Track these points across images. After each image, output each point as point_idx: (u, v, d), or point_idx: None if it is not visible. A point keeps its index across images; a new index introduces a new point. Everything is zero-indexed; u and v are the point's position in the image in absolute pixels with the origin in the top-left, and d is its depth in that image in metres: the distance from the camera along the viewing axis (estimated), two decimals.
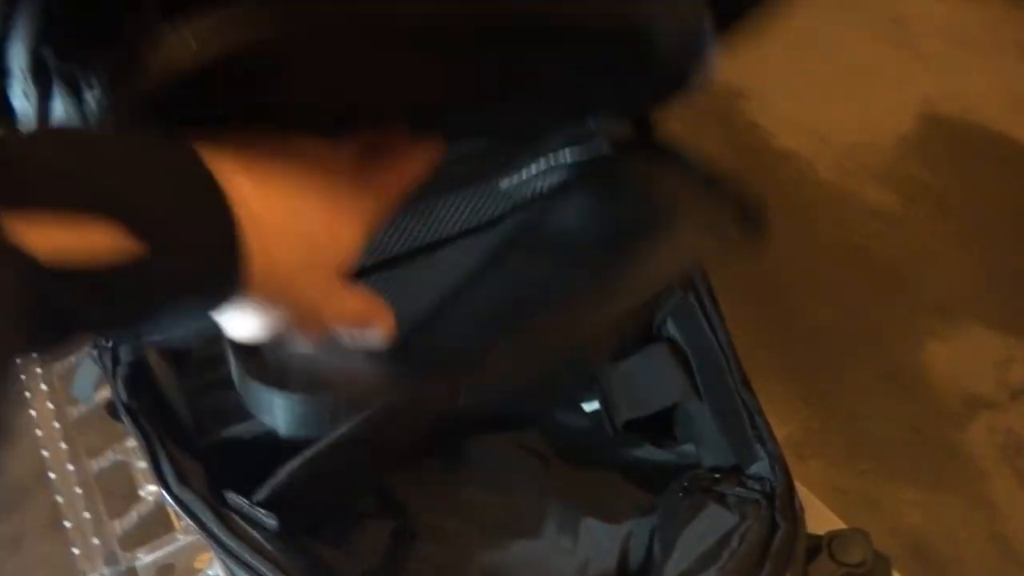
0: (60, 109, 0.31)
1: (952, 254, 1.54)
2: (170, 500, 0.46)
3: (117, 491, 0.75)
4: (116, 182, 0.24)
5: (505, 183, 0.51)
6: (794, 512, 0.51)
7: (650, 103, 0.45)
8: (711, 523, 0.52)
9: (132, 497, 0.73)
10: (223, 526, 0.46)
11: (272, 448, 0.49)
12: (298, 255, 0.30)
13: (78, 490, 0.72)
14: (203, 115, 0.29)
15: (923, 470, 1.25)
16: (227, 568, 0.46)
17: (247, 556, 0.45)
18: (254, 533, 0.46)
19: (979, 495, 1.22)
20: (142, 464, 0.73)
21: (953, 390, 1.33)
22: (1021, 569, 1.17)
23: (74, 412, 0.77)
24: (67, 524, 0.70)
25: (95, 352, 0.48)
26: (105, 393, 0.56)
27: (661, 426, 0.61)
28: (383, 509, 0.58)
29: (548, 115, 0.45)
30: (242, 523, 0.46)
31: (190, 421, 0.51)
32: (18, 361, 0.23)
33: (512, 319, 0.41)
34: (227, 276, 0.27)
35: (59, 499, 0.72)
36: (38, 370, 0.80)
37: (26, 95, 0.31)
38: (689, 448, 0.60)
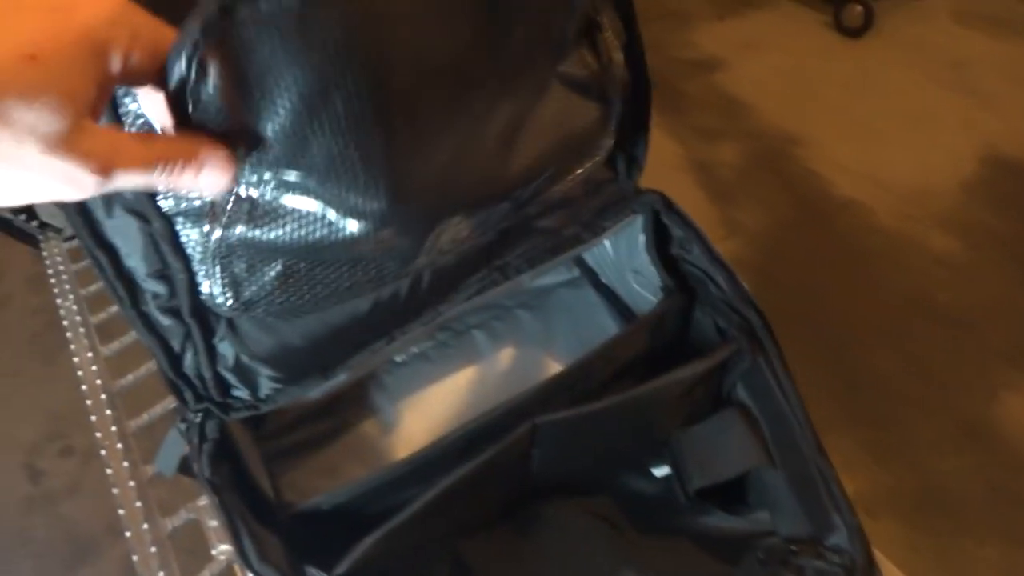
0: None
1: (1021, 300, 1.50)
2: None
3: (189, 549, 0.76)
4: None
5: None
6: None
7: None
8: None
9: (205, 556, 0.73)
10: None
11: (352, 518, 0.49)
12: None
13: (152, 549, 0.73)
14: None
15: (1000, 527, 1.20)
16: None
17: None
18: None
19: None
20: (214, 523, 0.74)
21: None
22: None
23: (148, 470, 0.78)
24: None
25: (182, 426, 0.49)
26: None
27: (733, 491, 0.60)
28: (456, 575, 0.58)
29: None
30: None
31: (271, 493, 0.52)
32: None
33: None
34: None
35: (135, 558, 0.73)
36: (113, 428, 0.82)
37: None
38: (763, 515, 0.59)
